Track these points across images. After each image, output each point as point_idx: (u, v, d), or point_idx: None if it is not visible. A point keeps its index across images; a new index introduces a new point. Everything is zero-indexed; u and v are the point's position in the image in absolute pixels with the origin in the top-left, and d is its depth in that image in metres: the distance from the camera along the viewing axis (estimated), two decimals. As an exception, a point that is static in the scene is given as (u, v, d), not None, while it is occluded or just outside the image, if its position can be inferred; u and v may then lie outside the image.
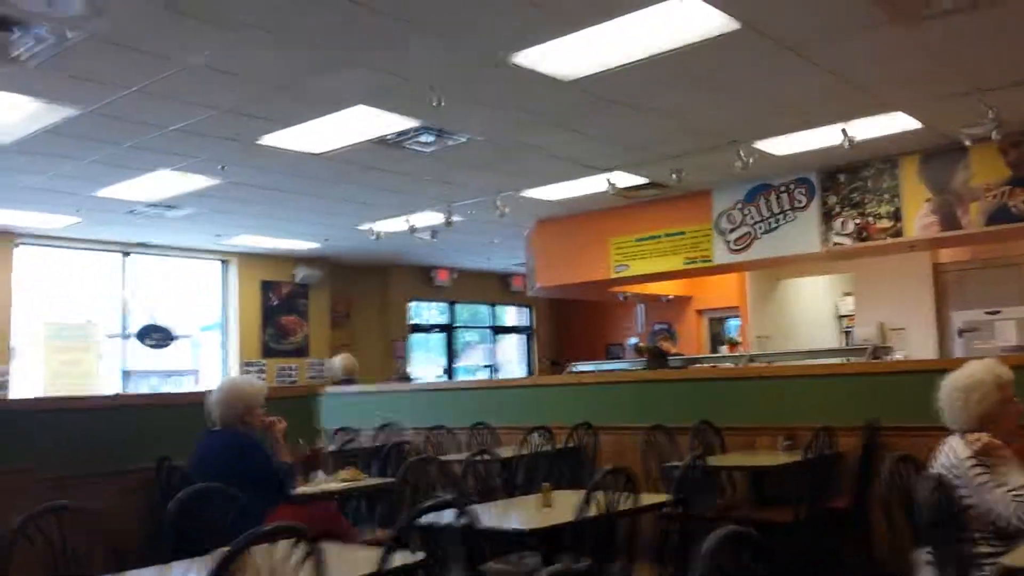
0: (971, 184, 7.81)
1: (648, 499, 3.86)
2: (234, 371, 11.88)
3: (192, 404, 4.56)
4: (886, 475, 2.98)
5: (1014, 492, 2.82)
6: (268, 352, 12.44)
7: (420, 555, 2.78)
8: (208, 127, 6.53)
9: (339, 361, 8.77)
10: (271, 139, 6.90)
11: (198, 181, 8.05)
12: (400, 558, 2.68)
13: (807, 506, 4.62)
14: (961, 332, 10.26)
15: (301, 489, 4.50)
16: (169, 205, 8.97)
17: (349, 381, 8.43)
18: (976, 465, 2.88)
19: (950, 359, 8.13)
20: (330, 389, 7.91)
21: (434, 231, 10.23)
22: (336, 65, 5.45)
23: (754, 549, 1.95)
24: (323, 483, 4.84)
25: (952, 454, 2.95)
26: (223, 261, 12.25)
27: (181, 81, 5.57)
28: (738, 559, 1.91)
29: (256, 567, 2.27)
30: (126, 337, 11.23)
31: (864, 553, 4.89)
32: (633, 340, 14.30)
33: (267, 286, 12.52)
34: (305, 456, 4.91)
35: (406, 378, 11.18)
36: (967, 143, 7.21)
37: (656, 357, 8.11)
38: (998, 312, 10.01)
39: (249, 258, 12.25)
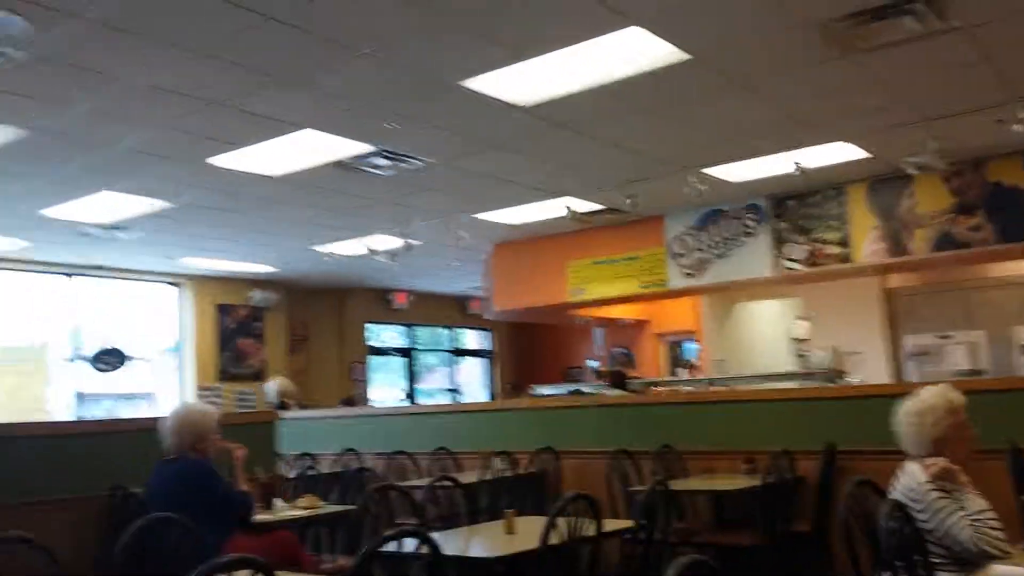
0: (916, 211, 8.00)
1: (611, 525, 3.86)
2: (189, 395, 11.67)
3: (147, 430, 4.45)
4: (845, 499, 3.01)
5: (972, 517, 2.87)
6: (225, 376, 12.25)
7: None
8: (157, 147, 6.43)
9: (273, 385, 8.36)
10: (222, 160, 6.79)
11: (149, 203, 7.91)
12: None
13: (768, 530, 4.66)
14: (912, 356, 10.45)
15: (260, 517, 4.44)
16: (119, 227, 8.79)
17: (283, 407, 8.07)
18: (934, 490, 2.92)
19: (905, 383, 8.27)
20: (286, 415, 7.79)
21: (393, 254, 10.19)
22: (285, 88, 5.41)
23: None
24: (282, 511, 4.77)
25: (910, 479, 3.00)
26: (177, 284, 12.07)
27: (128, 100, 5.49)
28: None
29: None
30: (75, 360, 10.97)
31: (825, 576, 4.94)
32: (594, 364, 14.36)
33: (223, 309, 12.35)
34: (263, 484, 4.84)
35: (351, 402, 10.89)
36: (911, 171, 7.40)
37: (617, 381, 8.14)
38: (949, 336, 10.22)
39: (204, 281, 12.08)
